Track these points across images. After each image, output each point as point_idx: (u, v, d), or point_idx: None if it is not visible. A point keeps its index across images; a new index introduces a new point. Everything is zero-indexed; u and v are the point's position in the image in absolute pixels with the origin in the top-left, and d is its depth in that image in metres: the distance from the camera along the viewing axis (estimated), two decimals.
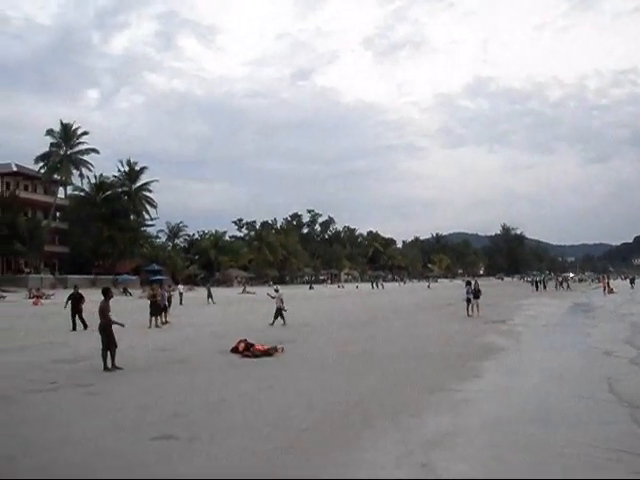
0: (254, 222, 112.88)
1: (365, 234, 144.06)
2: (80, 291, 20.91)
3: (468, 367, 11.72)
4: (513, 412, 8.01)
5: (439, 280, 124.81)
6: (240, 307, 25.09)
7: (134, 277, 69.55)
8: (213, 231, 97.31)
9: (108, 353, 11.68)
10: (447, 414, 7.87)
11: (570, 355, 13.77)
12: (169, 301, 27.08)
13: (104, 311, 11.96)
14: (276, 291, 22.88)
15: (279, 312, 21.55)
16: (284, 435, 6.84)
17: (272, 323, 21.25)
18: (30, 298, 40.75)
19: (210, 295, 40.52)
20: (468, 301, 26.18)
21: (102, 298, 12.23)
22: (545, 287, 65.25)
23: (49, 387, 9.72)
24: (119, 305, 12.44)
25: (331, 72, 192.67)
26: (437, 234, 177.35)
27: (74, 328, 19.74)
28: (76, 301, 20.32)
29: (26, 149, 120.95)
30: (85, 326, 19.57)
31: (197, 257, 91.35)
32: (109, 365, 11.63)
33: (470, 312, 25.72)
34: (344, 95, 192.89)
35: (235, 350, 14.07)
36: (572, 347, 15.35)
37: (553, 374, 10.95)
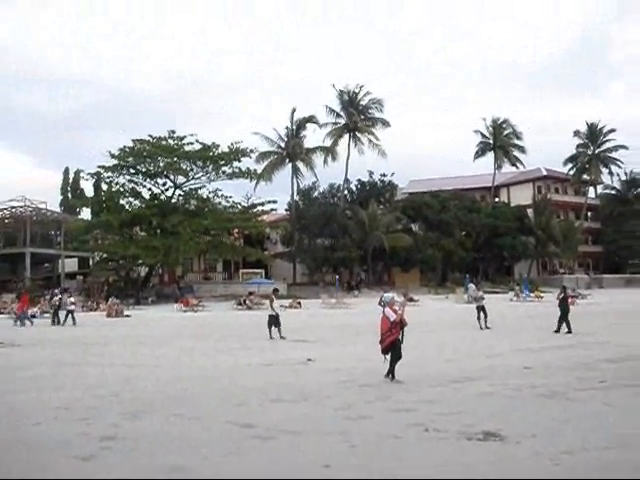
0: None
1: None
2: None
3: None
4: None
5: None
6: None
7: None
8: None
9: None
10: None
11: None
12: None
13: None
14: None
15: None
16: None
17: None
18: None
19: None
20: None
21: None
22: None
23: (598, 385, 10.01)
24: None
25: None
26: None
27: (569, 331, 18.43)
28: (564, 300, 19.27)
29: (554, 152, 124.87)
30: (569, 330, 18.47)
31: None
32: None
33: None
34: None
35: None
36: None
37: None
